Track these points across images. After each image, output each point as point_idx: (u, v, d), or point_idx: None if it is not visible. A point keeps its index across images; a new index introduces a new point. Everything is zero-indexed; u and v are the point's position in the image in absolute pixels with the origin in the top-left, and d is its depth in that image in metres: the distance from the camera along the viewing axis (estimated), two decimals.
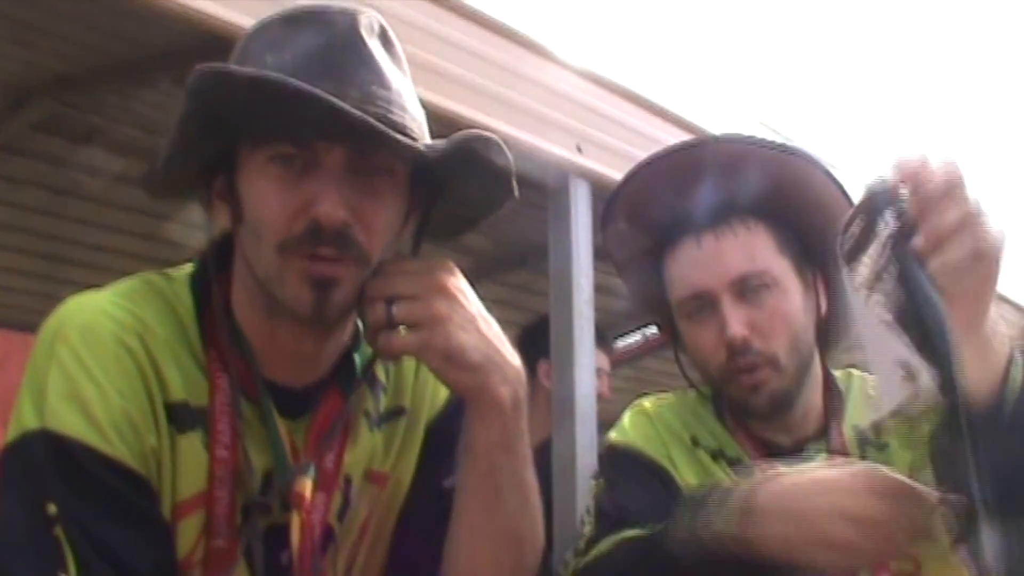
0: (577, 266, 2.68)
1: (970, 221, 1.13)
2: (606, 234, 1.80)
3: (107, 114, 3.31)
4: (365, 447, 1.40)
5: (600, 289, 3.76)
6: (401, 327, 1.25)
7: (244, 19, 2.00)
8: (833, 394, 1.71)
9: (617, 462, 1.70)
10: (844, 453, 1.62)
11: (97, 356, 1.22)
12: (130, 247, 3.93)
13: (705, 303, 1.64)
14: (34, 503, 1.17)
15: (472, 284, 1.31)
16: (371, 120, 1.18)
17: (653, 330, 5.44)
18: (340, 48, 1.25)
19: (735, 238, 1.64)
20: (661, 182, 1.69)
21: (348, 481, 1.39)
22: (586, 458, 2.67)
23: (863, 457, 1.61)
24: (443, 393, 1.48)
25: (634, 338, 5.47)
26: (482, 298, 1.31)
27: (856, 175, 1.65)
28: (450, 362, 1.25)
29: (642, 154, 2.65)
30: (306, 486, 1.32)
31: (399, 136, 1.21)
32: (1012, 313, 5.55)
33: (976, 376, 1.22)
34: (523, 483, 1.34)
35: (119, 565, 1.16)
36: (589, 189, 2.75)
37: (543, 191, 2.73)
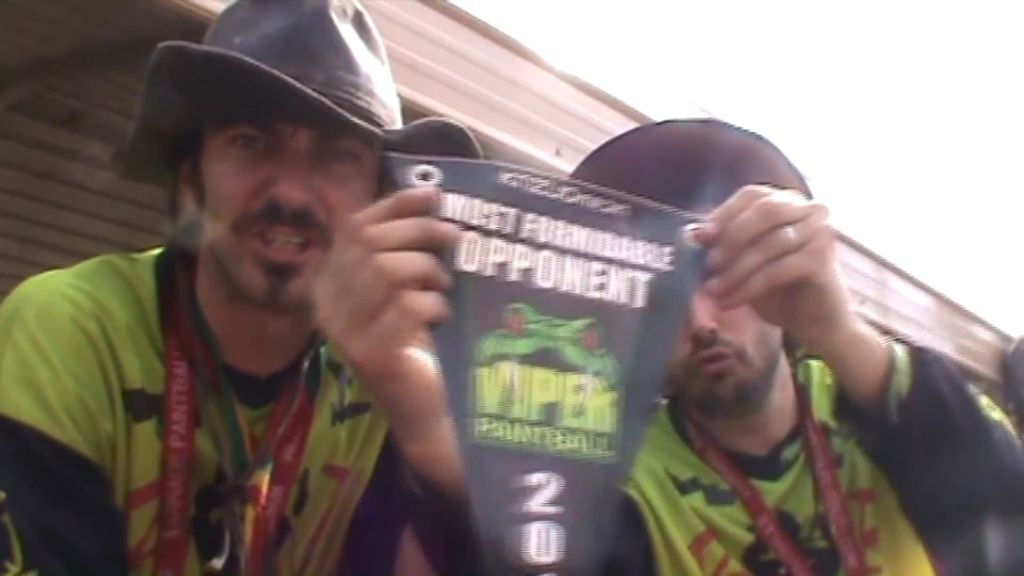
0: None
1: (774, 257, 1.06)
2: None
3: (88, 99, 3.31)
4: (326, 440, 1.38)
5: None
6: None
7: (225, 5, 2.00)
8: (801, 391, 1.63)
9: None
10: (824, 452, 1.56)
11: (54, 340, 1.20)
12: (105, 233, 3.90)
13: None
14: None
15: None
16: (328, 103, 1.17)
17: None
18: (307, 30, 1.23)
19: None
20: (614, 170, 1.58)
21: (306, 473, 1.36)
22: None
23: (831, 449, 1.57)
24: None
25: None
26: None
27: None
28: None
29: None
30: (263, 479, 1.30)
31: (358, 121, 1.20)
32: (987, 334, 5.59)
33: (852, 382, 1.25)
34: None
35: (67, 553, 1.14)
36: None
37: None
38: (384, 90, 1.29)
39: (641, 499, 1.54)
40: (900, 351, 1.26)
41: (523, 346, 0.99)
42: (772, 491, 1.55)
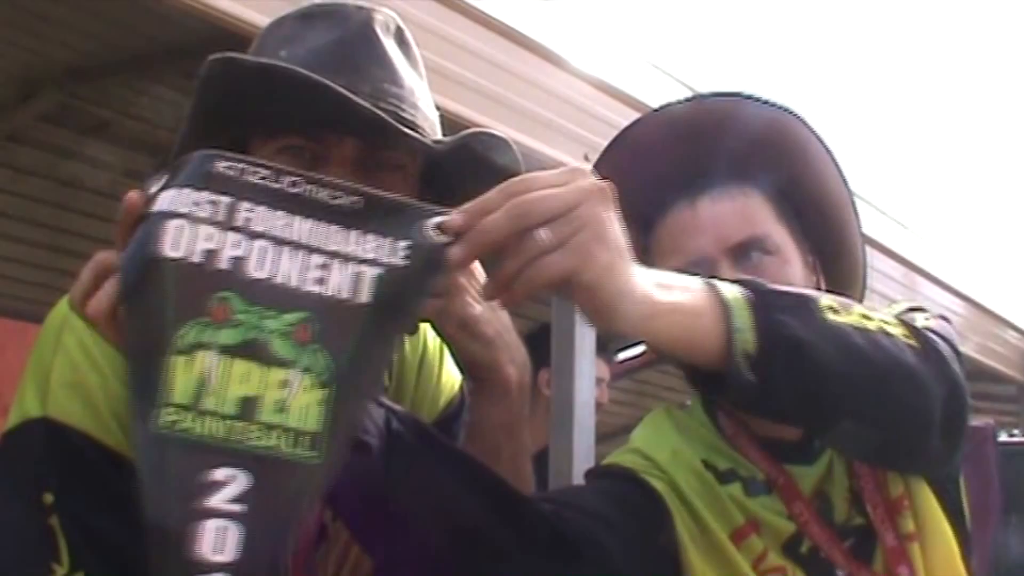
0: None
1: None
2: None
3: (115, 108, 3.32)
4: None
5: None
6: None
7: (255, 15, 2.00)
8: None
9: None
10: None
11: (103, 346, 1.22)
12: None
13: (702, 273, 1.39)
14: (31, 491, 1.17)
15: None
16: (380, 114, 1.19)
17: None
18: (353, 44, 1.25)
19: (732, 202, 1.52)
20: (646, 148, 1.58)
21: None
22: (582, 467, 2.65)
23: None
24: (443, 398, 1.48)
25: (637, 349, 5.47)
26: None
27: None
28: (464, 330, 1.27)
29: None
30: None
31: (408, 131, 1.21)
32: (1013, 336, 5.55)
33: (688, 357, 1.19)
34: (520, 471, 1.36)
35: (113, 555, 1.16)
36: None
37: None
38: (425, 103, 1.31)
39: (672, 492, 1.50)
40: (736, 303, 1.18)
41: (226, 336, 0.95)
42: (808, 475, 1.53)
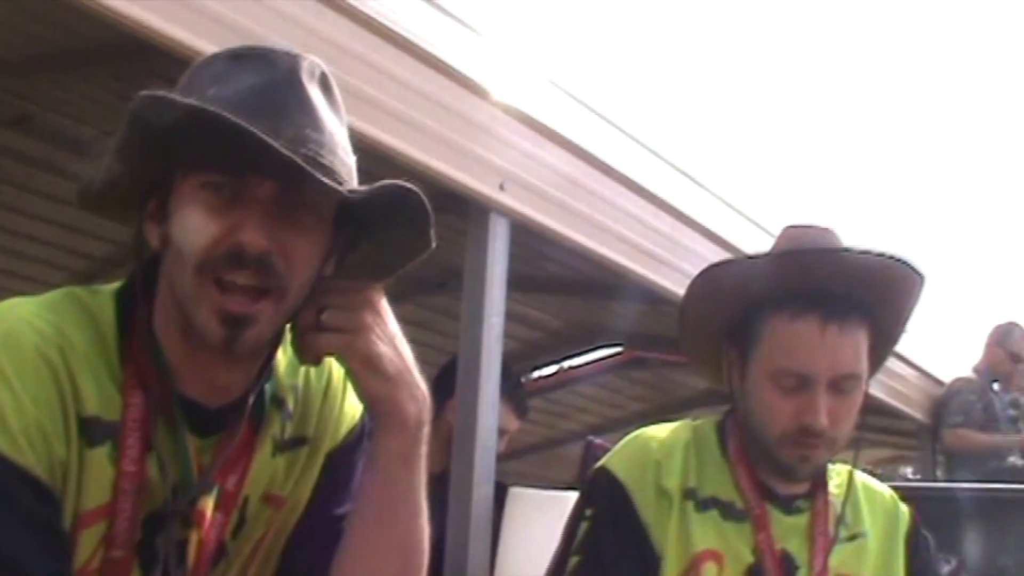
0: (489, 301, 2.72)
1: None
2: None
3: (39, 102, 3.30)
4: (266, 470, 1.46)
5: (518, 319, 3.79)
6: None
7: (178, 31, 2.04)
8: (822, 470, 1.89)
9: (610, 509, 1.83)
10: (825, 515, 1.85)
11: (16, 365, 1.26)
12: (50, 235, 3.90)
13: (801, 381, 1.76)
14: None
15: (391, 304, 1.42)
16: (299, 160, 1.25)
17: (571, 362, 5.52)
18: (279, 88, 1.31)
19: (851, 338, 1.77)
20: (803, 262, 1.81)
21: (246, 501, 1.44)
22: (482, 488, 2.71)
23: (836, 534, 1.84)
24: (344, 426, 1.54)
25: (550, 369, 5.55)
26: (401, 318, 1.42)
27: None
28: (367, 367, 1.36)
29: (565, 196, 2.71)
30: (208, 505, 1.39)
31: (324, 178, 1.27)
32: (917, 378, 5.69)
33: None
34: (417, 501, 1.43)
35: (16, 572, 1.20)
36: (508, 226, 2.80)
37: (466, 220, 2.77)
38: (344, 148, 1.37)
39: (648, 511, 1.79)
40: None
41: None
42: (782, 522, 1.81)
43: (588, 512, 1.84)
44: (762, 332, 1.80)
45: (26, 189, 3.67)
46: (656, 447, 1.85)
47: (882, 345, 1.86)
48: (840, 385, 1.77)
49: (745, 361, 1.83)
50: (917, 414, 5.66)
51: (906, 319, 1.88)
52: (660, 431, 1.90)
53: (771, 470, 1.83)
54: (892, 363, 5.24)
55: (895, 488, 1.98)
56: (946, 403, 5.87)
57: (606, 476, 1.85)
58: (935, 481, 5.85)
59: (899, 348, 5.27)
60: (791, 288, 1.77)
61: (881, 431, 6.20)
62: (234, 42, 2.02)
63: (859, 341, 1.79)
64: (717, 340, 1.90)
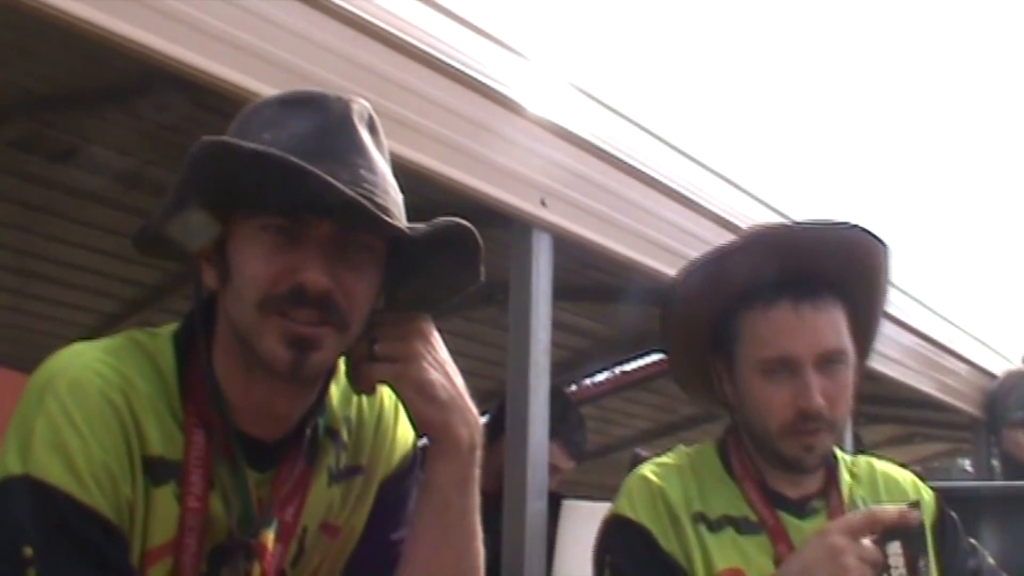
0: (535, 316, 2.73)
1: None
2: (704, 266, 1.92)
3: (84, 135, 3.35)
4: (323, 500, 1.49)
5: (567, 328, 3.79)
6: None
7: (218, 67, 2.07)
8: (833, 459, 1.90)
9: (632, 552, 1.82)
10: (840, 514, 1.81)
11: (83, 410, 1.30)
12: (100, 265, 3.96)
13: (787, 367, 1.77)
14: (12, 544, 1.25)
15: (439, 318, 1.46)
16: (361, 200, 1.29)
17: (621, 368, 5.52)
18: (333, 132, 1.35)
19: (827, 314, 1.78)
20: (761, 248, 1.83)
21: (304, 531, 1.48)
22: (535, 503, 2.72)
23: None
24: (398, 454, 1.57)
25: (601, 376, 5.55)
26: (449, 332, 1.46)
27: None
28: (420, 394, 1.40)
29: (605, 208, 2.70)
30: (269, 538, 1.42)
31: (385, 216, 1.31)
32: (968, 372, 5.62)
33: None
34: (471, 525, 1.46)
35: None
36: (551, 242, 2.81)
37: (508, 234, 2.78)
38: (394, 187, 1.41)
39: (670, 543, 1.78)
40: None
41: None
42: (798, 528, 1.80)
43: (608, 559, 1.85)
44: (741, 329, 1.82)
45: (75, 220, 3.73)
46: (655, 479, 1.85)
47: (864, 322, 1.86)
48: (827, 363, 1.77)
49: (731, 365, 1.84)
50: (970, 408, 5.59)
51: (881, 292, 1.89)
52: (653, 466, 1.90)
53: (780, 471, 1.83)
54: (942, 358, 5.20)
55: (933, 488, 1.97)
56: (1003, 398, 5.71)
57: (619, 521, 1.85)
58: (991, 474, 5.76)
59: (949, 343, 5.20)
60: (758, 279, 1.79)
61: (934, 425, 6.14)
62: (275, 75, 2.07)
63: (836, 317, 1.80)
64: (702, 356, 1.91)
